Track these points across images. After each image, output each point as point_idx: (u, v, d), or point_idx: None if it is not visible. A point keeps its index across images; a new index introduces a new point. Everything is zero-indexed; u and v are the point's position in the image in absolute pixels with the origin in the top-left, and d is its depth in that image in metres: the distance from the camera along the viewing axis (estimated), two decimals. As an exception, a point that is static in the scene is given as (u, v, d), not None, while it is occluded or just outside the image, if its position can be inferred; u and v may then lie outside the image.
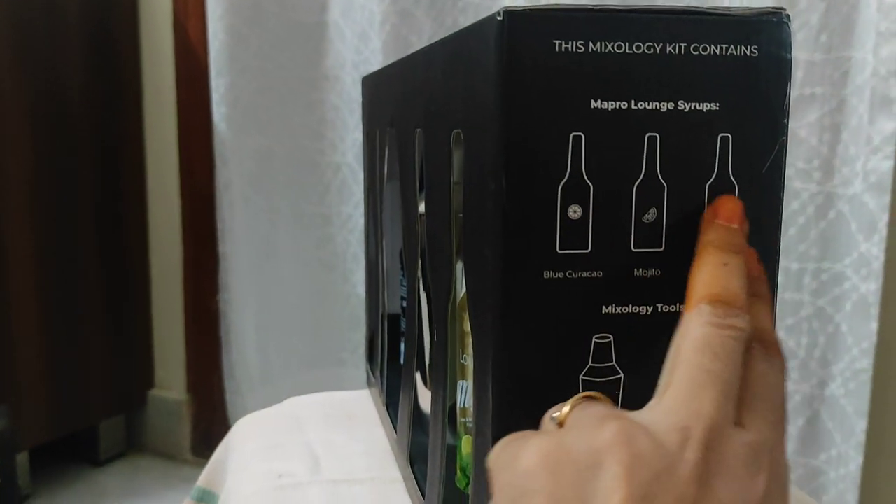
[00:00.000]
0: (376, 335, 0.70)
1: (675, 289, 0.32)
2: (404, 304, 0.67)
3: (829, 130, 0.95)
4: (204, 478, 0.68)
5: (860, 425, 0.94)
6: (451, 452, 0.47)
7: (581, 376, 0.32)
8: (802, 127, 0.95)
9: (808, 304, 0.97)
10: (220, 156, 1.46)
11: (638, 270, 0.32)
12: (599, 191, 0.31)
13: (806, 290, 0.97)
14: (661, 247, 0.32)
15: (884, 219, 0.92)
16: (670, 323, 0.32)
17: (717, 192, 0.32)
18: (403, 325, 0.68)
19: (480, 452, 0.33)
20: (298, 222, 1.46)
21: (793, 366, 0.98)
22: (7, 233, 1.39)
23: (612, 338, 0.32)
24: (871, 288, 0.92)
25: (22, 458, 1.42)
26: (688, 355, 0.26)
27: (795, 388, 0.98)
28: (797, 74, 0.93)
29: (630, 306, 0.32)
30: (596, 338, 0.32)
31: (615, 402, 0.32)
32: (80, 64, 1.50)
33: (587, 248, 0.31)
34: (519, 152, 0.30)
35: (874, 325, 0.92)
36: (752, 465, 0.24)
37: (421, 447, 0.51)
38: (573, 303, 0.32)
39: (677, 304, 0.32)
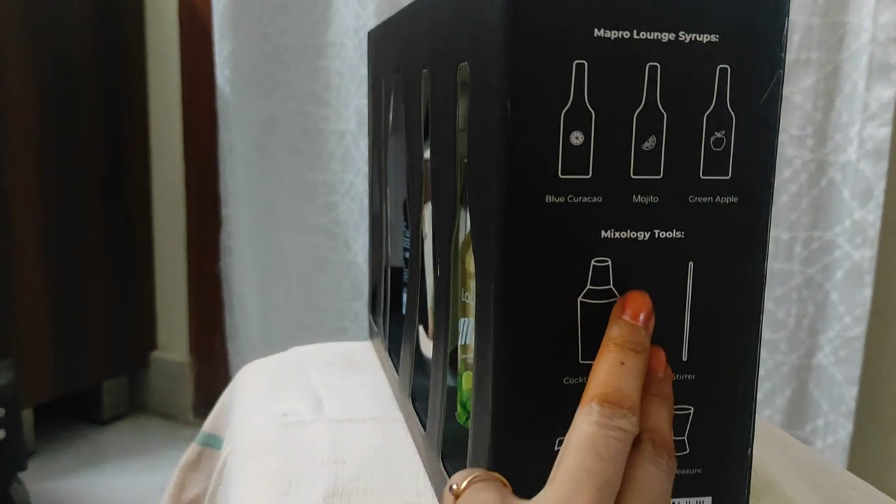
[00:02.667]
0: (379, 286, 0.71)
1: (673, 216, 0.33)
2: (407, 255, 0.69)
3: (823, 96, 0.94)
4: (209, 423, 0.70)
5: (850, 393, 0.94)
6: (452, 390, 0.48)
7: (580, 298, 0.33)
8: (797, 92, 0.95)
9: (798, 273, 0.98)
10: (223, 120, 1.47)
11: (636, 196, 0.33)
12: (601, 118, 0.32)
13: (796, 259, 0.97)
14: (659, 174, 0.33)
15: (881, 186, 0.92)
16: (667, 249, 0.34)
17: (715, 122, 0.33)
18: (406, 276, 0.69)
19: (482, 377, 0.35)
20: (301, 189, 1.47)
21: (781, 336, 0.99)
22: (12, 196, 1.40)
23: (610, 262, 0.33)
24: (865, 255, 0.92)
25: (26, 416, 1.44)
26: (573, 452, 0.28)
27: (783, 359, 0.99)
28: (793, 38, 0.93)
29: (628, 231, 0.33)
30: (595, 261, 0.33)
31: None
32: (85, 27, 1.50)
33: (588, 174, 0.32)
34: (523, 79, 0.31)
35: (868, 293, 0.93)
36: None
37: (422, 388, 0.53)
38: (573, 227, 0.33)
39: (674, 231, 0.33)
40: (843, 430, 0.94)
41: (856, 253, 0.93)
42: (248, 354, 1.51)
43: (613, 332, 0.31)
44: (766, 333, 0.98)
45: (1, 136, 1.37)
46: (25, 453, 1.23)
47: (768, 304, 0.98)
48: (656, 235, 0.33)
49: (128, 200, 1.61)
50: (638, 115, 0.32)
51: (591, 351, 0.34)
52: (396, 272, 0.70)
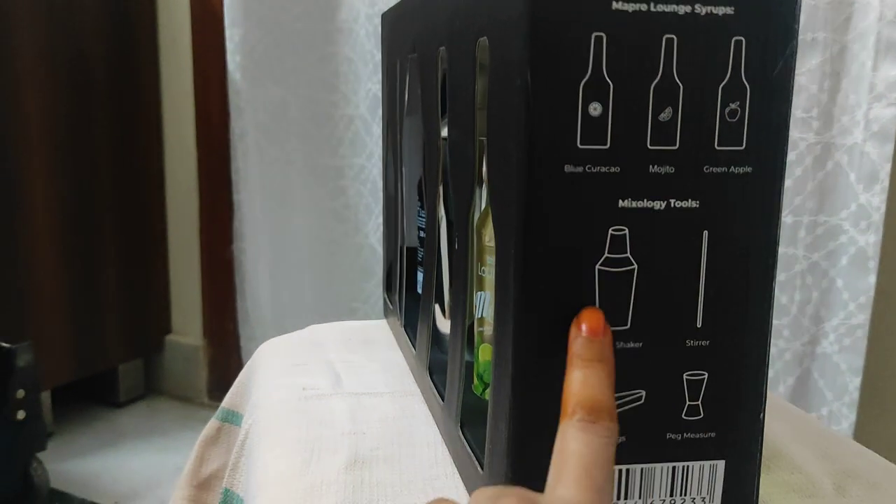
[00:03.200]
0: (394, 265, 0.72)
1: (688, 186, 0.34)
2: (421, 234, 0.70)
3: (829, 77, 0.93)
4: (228, 399, 0.71)
5: (854, 382, 0.93)
6: (469, 364, 0.49)
7: (598, 266, 0.34)
8: (803, 73, 0.93)
9: (802, 259, 0.96)
10: (234, 105, 1.48)
11: (653, 167, 0.34)
12: (619, 89, 0.33)
13: (800, 245, 0.96)
14: (675, 145, 0.34)
15: (886, 168, 0.90)
16: (682, 218, 0.35)
17: (730, 93, 0.34)
18: (420, 256, 0.70)
19: (502, 344, 0.36)
20: (312, 173, 1.48)
21: (784, 323, 0.97)
22: (29, 183, 1.42)
23: (627, 230, 0.34)
24: (870, 240, 0.90)
25: (45, 399, 1.46)
26: (576, 458, 0.30)
27: (786, 345, 0.98)
28: (799, 18, 0.93)
29: (645, 201, 0.34)
30: (612, 230, 0.34)
31: (629, 292, 0.35)
32: (97, 14, 1.51)
33: (606, 144, 0.33)
34: (544, 51, 0.32)
35: (872, 279, 0.91)
36: None
37: (438, 362, 0.54)
38: (592, 196, 0.34)
39: (689, 200, 0.34)
40: (847, 421, 0.93)
41: (861, 238, 0.91)
42: (260, 338, 1.53)
43: (576, 349, 0.33)
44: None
45: (16, 123, 1.39)
46: (45, 434, 1.25)
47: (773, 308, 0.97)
48: (672, 205, 0.34)
49: (142, 187, 1.63)
50: (655, 86, 0.33)
51: (609, 317, 0.35)
52: (411, 252, 0.71)
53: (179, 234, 1.66)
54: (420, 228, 0.70)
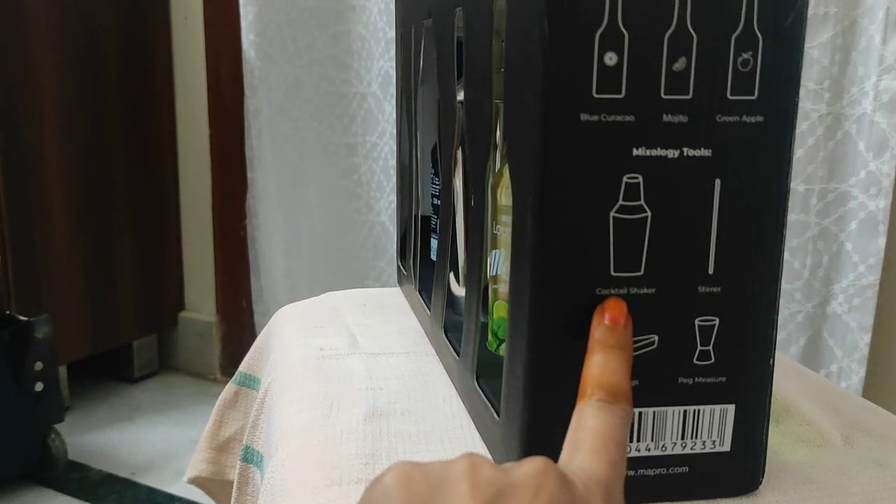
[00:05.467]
0: (409, 232, 0.73)
1: (701, 134, 0.35)
2: (435, 201, 0.71)
3: (840, 51, 0.95)
4: (245, 364, 0.73)
5: (864, 339, 0.96)
6: (483, 324, 0.50)
7: (612, 213, 0.35)
8: (815, 47, 0.95)
9: (814, 225, 0.99)
10: (248, 83, 1.49)
11: (667, 116, 0.35)
12: (634, 39, 0.34)
13: (812, 211, 0.98)
14: (688, 94, 0.35)
15: (895, 137, 0.93)
16: (695, 166, 0.35)
17: (743, 43, 0.34)
18: (434, 223, 0.71)
19: (520, 291, 0.37)
20: (324, 151, 1.49)
21: (796, 286, 1.00)
22: (45, 163, 1.43)
23: (641, 178, 0.35)
24: (880, 205, 0.94)
25: (61, 373, 1.49)
26: (596, 436, 0.31)
27: (798, 308, 1.01)
28: (812, -8, 0.93)
29: (658, 149, 0.35)
30: (626, 177, 0.35)
31: (643, 239, 0.36)
32: (110, -10, 1.52)
33: (621, 94, 0.34)
34: (561, 1, 0.33)
35: (882, 241, 0.94)
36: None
37: (453, 322, 0.55)
38: (607, 144, 0.35)
39: (702, 149, 0.35)
40: (857, 376, 0.96)
41: (870, 203, 0.94)
42: (273, 314, 1.54)
43: (598, 336, 0.34)
44: (782, 283, 1.00)
45: (31, 104, 1.40)
46: (63, 406, 1.28)
47: (784, 255, 0.99)
48: (685, 153, 0.35)
49: (155, 164, 1.64)
50: (669, 36, 0.34)
51: (623, 263, 0.36)
52: (425, 220, 0.72)
53: (193, 212, 1.68)
54: (434, 196, 0.71)
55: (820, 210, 0.98)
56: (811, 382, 0.55)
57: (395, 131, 1.40)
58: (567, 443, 0.31)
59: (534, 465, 0.27)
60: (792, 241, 0.99)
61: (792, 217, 0.99)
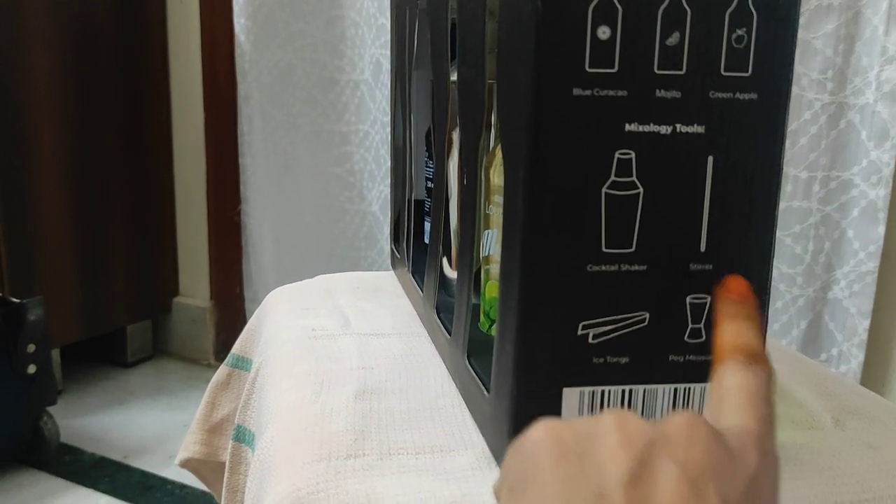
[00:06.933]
0: (402, 215, 0.73)
1: (694, 111, 0.35)
2: (429, 184, 0.70)
3: (843, 41, 0.96)
4: (238, 345, 0.72)
5: (863, 325, 0.97)
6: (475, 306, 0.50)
7: (604, 189, 0.35)
8: (818, 37, 0.96)
9: (816, 211, 1.00)
10: (239, 68, 1.48)
11: (660, 91, 0.34)
12: (628, 13, 0.33)
13: (814, 198, 0.99)
14: (682, 69, 0.34)
15: None
16: (688, 142, 0.35)
17: (737, 19, 0.34)
18: (427, 206, 0.71)
19: (510, 268, 0.37)
20: (317, 139, 1.48)
21: (798, 271, 1.01)
22: (37, 144, 1.42)
23: (633, 154, 0.35)
24: (880, 193, 0.94)
25: (54, 357, 1.48)
26: (745, 395, 0.30)
27: (799, 292, 1.02)
28: (817, -17, 0.94)
29: (651, 125, 0.35)
30: (619, 153, 0.35)
31: (634, 215, 0.36)
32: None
33: (614, 68, 0.34)
34: (554, -26, 0.33)
35: (882, 230, 0.95)
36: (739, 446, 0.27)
37: (445, 304, 0.55)
38: (599, 119, 0.34)
39: (695, 125, 0.35)
40: (856, 360, 0.97)
41: (871, 192, 0.95)
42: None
43: (727, 309, 0.33)
44: (784, 268, 1.01)
45: (22, 83, 1.39)
46: (55, 388, 1.27)
47: (786, 240, 1.00)
48: (678, 130, 0.35)
49: (150, 148, 1.64)
50: (663, 11, 0.34)
51: (615, 240, 0.35)
52: (419, 204, 0.72)
53: (187, 197, 1.67)
54: (428, 179, 0.71)
55: (822, 197, 0.99)
56: (804, 367, 0.55)
57: (385, 120, 1.40)
58: (709, 405, 0.30)
59: (684, 417, 0.26)
60: (794, 226, 1.00)
61: (794, 203, 1.00)
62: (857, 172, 0.96)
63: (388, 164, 1.40)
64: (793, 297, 1.02)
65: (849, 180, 0.97)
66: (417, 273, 0.65)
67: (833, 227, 0.99)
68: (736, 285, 0.34)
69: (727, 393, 0.29)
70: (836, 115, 0.97)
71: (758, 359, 0.31)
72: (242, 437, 0.58)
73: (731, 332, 0.32)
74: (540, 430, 0.26)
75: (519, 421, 0.36)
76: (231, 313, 1.66)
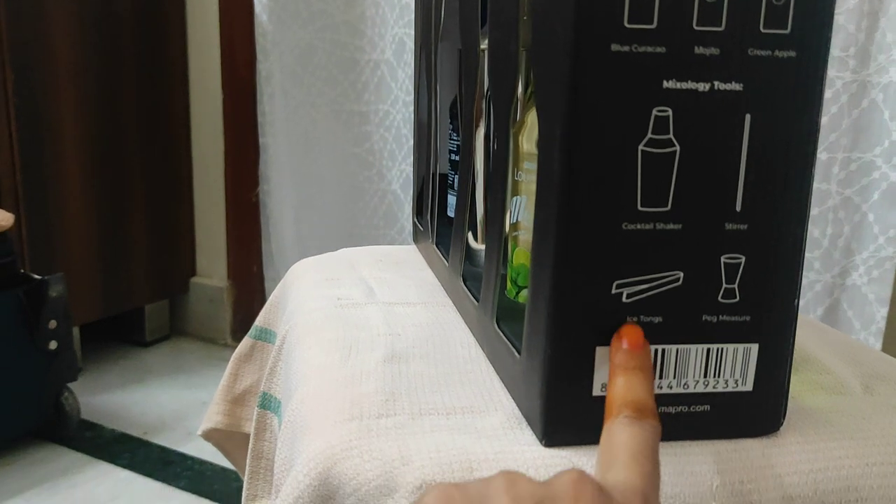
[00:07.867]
0: (426, 189, 0.73)
1: (732, 68, 0.35)
2: (453, 157, 0.70)
3: (867, 17, 0.94)
4: (261, 317, 0.73)
5: (881, 312, 0.96)
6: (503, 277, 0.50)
7: (641, 146, 0.35)
8: (841, 13, 0.94)
9: (836, 194, 0.98)
10: (261, 47, 1.48)
11: (698, 48, 0.34)
12: (667, -32, 0.33)
13: (834, 180, 0.98)
14: (721, 26, 0.34)
15: None
16: (726, 100, 0.35)
17: (776, -25, 0.34)
18: (451, 180, 0.71)
19: (545, 226, 0.37)
20: (337, 118, 1.49)
21: (815, 255, 1.00)
22: (59, 128, 1.43)
23: (670, 112, 0.35)
24: (903, 175, 0.93)
25: (74, 335, 1.50)
26: (628, 451, 0.31)
27: (817, 277, 1.00)
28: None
29: (689, 82, 0.35)
30: (656, 110, 0.35)
31: (670, 173, 0.35)
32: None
33: (653, 24, 0.34)
34: (594, -72, 0.33)
35: (902, 214, 0.93)
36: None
37: (471, 273, 0.55)
38: (637, 76, 0.34)
39: (733, 83, 0.35)
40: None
41: (893, 174, 0.93)
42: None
43: (618, 360, 0.35)
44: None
45: (46, 67, 1.40)
46: (76, 364, 1.29)
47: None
48: (716, 87, 0.35)
49: (168, 129, 1.64)
50: (703, -34, 0.33)
51: (650, 198, 0.35)
52: (442, 178, 0.72)
53: (205, 177, 1.68)
54: (452, 152, 0.71)
55: (842, 179, 0.97)
56: (830, 336, 0.55)
57: (408, 100, 1.40)
58: (599, 461, 0.31)
59: (571, 475, 0.27)
60: (813, 209, 0.98)
61: (813, 186, 0.98)
62: (879, 154, 0.95)
63: (410, 143, 1.40)
64: (809, 283, 1.01)
65: (870, 162, 0.95)
66: (441, 245, 0.65)
67: (853, 210, 0.97)
68: (629, 334, 0.35)
69: (614, 449, 0.31)
70: (858, 94, 0.95)
71: (646, 413, 0.32)
72: (268, 404, 0.59)
73: (621, 385, 0.34)
74: (432, 495, 0.26)
75: (553, 379, 0.37)
76: (248, 293, 1.67)
